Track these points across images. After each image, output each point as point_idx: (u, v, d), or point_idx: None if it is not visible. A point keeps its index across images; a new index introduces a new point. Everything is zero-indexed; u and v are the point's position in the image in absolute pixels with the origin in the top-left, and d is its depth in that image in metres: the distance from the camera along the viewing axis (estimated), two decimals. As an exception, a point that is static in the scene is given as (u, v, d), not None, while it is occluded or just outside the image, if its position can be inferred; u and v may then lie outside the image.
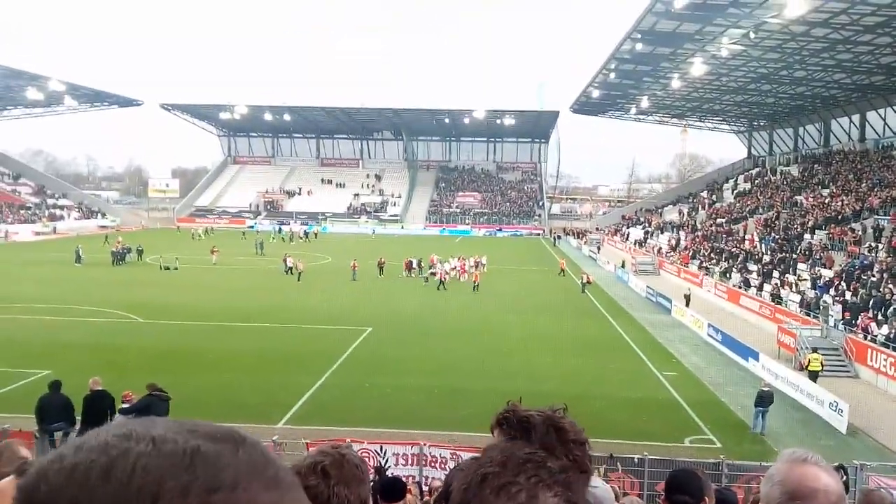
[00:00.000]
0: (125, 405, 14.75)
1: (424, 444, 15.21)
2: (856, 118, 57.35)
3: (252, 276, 48.74)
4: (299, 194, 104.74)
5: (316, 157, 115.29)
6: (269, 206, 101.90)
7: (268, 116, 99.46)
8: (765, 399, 19.86)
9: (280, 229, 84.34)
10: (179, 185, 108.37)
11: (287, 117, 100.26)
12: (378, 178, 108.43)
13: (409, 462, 15.16)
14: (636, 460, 14.79)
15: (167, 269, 49.32)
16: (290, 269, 47.20)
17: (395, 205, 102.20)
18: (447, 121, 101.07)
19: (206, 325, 31.75)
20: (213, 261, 53.45)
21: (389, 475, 10.48)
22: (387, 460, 15.07)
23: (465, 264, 49.91)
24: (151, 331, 30.46)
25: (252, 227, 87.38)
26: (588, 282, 46.18)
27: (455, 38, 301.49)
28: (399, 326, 32.50)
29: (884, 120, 53.40)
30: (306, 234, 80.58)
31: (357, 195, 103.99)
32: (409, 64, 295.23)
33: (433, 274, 46.88)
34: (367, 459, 15.11)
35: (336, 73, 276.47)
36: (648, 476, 14.51)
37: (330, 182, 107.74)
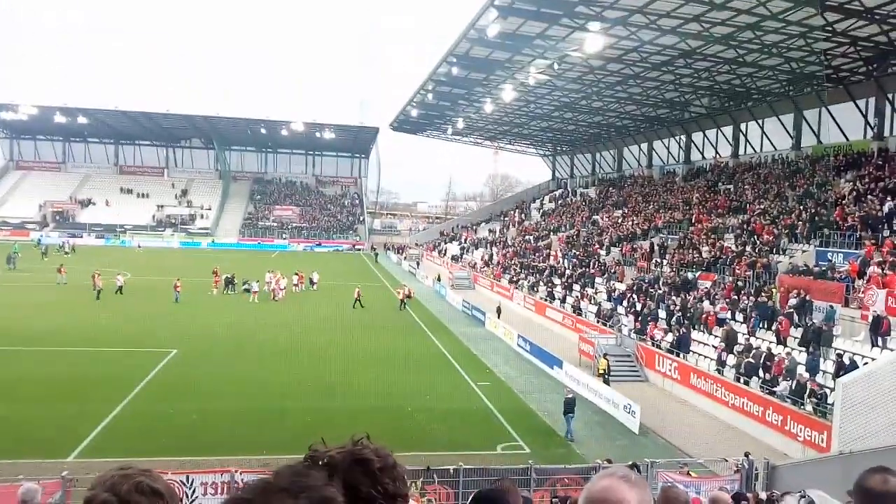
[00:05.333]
0: None
1: (236, 471, 14.34)
2: (644, 146, 63.94)
3: (37, 292, 43.53)
4: (94, 204, 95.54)
5: (114, 164, 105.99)
6: (58, 217, 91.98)
7: (59, 118, 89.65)
8: (569, 405, 21.19)
9: (40, 241, 76.30)
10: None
11: (82, 120, 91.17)
12: (185, 191, 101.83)
13: (220, 491, 14.21)
14: (451, 471, 15.04)
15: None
16: (99, 290, 42.13)
17: (204, 217, 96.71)
18: (263, 131, 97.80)
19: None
20: None
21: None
22: (194, 491, 14.01)
23: (279, 279, 48.03)
24: None
25: (39, 240, 78.29)
26: (408, 296, 46.60)
27: (272, 53, 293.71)
28: (208, 347, 30.62)
29: (667, 149, 60.04)
30: (63, 245, 73.53)
31: (162, 206, 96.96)
32: (225, 73, 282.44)
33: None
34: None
35: (140, 76, 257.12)
36: (463, 486, 14.82)
37: (130, 191, 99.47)
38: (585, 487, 1.80)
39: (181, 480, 14.11)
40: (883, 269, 23.82)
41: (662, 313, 31.85)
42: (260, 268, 53.40)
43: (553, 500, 14.04)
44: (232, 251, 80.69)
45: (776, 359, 23.10)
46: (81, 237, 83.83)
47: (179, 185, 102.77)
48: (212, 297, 45.65)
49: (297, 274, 51.11)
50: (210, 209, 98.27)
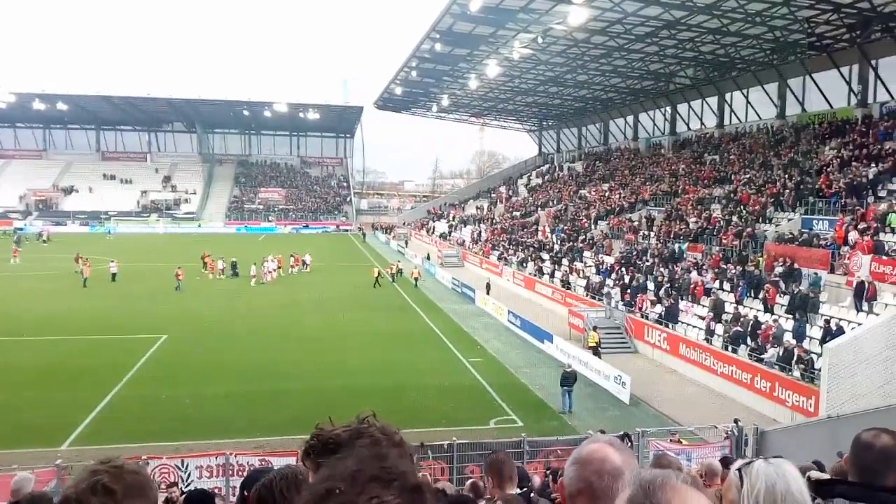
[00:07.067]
0: None
1: (231, 454, 14.39)
2: (630, 119, 63.86)
3: (21, 281, 43.14)
4: (77, 192, 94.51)
5: (96, 151, 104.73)
6: (41, 205, 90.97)
7: (38, 105, 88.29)
8: (568, 379, 21.36)
9: (17, 231, 74.61)
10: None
11: (61, 106, 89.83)
12: (168, 177, 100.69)
13: (215, 474, 14.27)
14: (445, 446, 15.17)
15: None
16: (86, 279, 41.89)
17: (188, 202, 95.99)
18: (246, 113, 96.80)
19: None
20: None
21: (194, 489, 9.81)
22: (189, 474, 14.06)
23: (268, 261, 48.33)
24: None
25: (22, 228, 77.42)
26: (401, 272, 47.46)
27: (252, 33, 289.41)
28: (199, 331, 30.55)
29: (653, 121, 60.05)
30: (41, 234, 72.30)
31: (146, 192, 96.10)
32: (205, 54, 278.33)
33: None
34: (167, 475, 13.97)
35: (120, 60, 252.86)
36: (457, 460, 14.96)
37: (114, 178, 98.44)
38: (574, 451, 1.89)
39: (176, 465, 14.15)
40: (863, 236, 24.03)
41: (651, 285, 32.05)
42: (249, 251, 53.32)
43: (546, 471, 14.20)
44: (219, 235, 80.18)
45: (763, 326, 23.36)
46: (66, 225, 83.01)
47: (163, 170, 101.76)
48: (206, 281, 45.41)
49: (292, 256, 51.80)
50: (195, 193, 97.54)
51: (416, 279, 46.95)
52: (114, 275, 43.72)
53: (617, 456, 1.80)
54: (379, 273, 46.31)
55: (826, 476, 5.90)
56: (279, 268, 48.33)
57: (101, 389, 21.57)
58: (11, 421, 18.73)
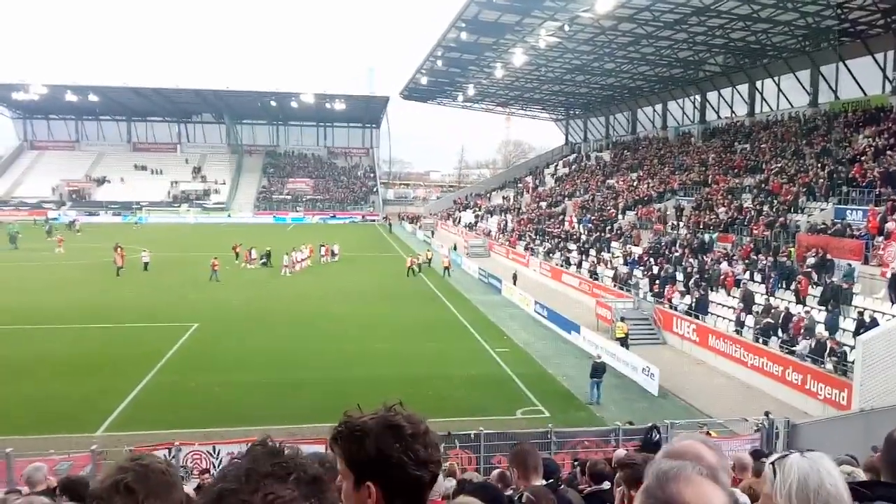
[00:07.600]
0: None
1: (261, 441, 14.59)
2: (658, 107, 63.03)
3: (54, 271, 44.09)
4: (109, 182, 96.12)
5: (127, 142, 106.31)
6: (74, 196, 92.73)
7: (70, 97, 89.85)
8: (598, 370, 21.29)
9: (55, 219, 76.43)
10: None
11: (93, 98, 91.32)
12: (198, 167, 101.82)
13: (246, 460, 14.50)
14: (472, 436, 15.24)
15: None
16: (119, 268, 42.86)
17: (218, 192, 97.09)
18: (273, 104, 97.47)
19: (5, 328, 28.23)
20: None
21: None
22: (220, 460, 14.32)
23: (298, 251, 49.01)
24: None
25: (56, 218, 79.10)
26: (428, 262, 48.22)
27: (279, 22, 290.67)
28: (230, 320, 30.95)
29: (682, 109, 59.19)
30: (73, 224, 72.98)
31: (176, 182, 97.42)
32: (233, 45, 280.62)
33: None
34: (199, 461, 14.26)
35: (149, 51, 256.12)
36: (484, 450, 15.03)
37: (145, 168, 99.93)
38: (664, 446, 1.95)
39: (208, 451, 14.42)
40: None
41: (680, 276, 31.72)
42: (278, 241, 53.86)
43: (574, 462, 14.19)
44: (249, 225, 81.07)
45: (795, 318, 23.00)
46: (98, 215, 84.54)
47: (193, 161, 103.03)
48: (237, 270, 45.88)
49: (323, 246, 52.58)
50: (224, 184, 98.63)
51: (446, 268, 47.26)
52: (146, 264, 44.48)
53: (710, 454, 1.83)
54: (412, 263, 46.70)
55: (860, 471, 5.84)
56: (309, 257, 48.99)
57: (134, 376, 22.01)
58: (46, 407, 19.19)
